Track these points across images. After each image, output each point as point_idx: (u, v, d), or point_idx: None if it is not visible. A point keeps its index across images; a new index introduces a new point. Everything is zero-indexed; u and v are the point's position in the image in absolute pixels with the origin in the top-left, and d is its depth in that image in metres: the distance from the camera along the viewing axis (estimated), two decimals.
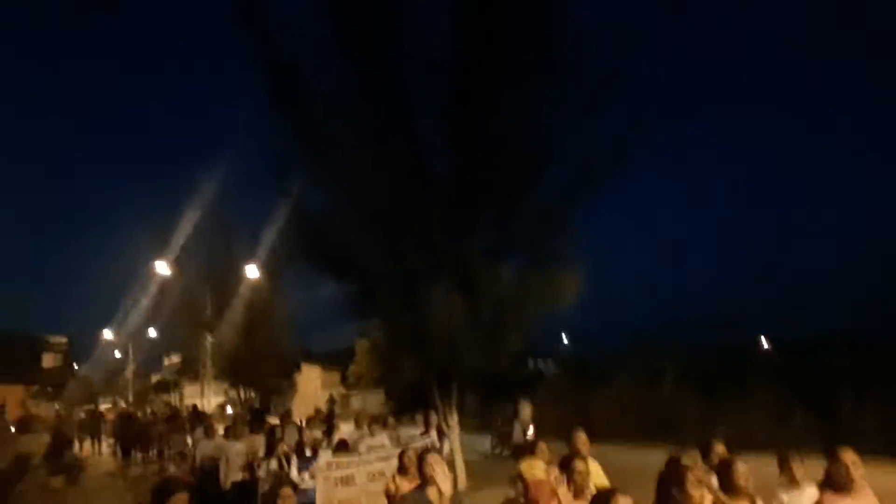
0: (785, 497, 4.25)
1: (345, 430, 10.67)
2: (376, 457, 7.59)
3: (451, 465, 8.55)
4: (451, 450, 8.81)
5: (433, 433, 9.70)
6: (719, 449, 4.64)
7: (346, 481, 7.17)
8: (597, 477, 4.92)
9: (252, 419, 15.04)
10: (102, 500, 12.39)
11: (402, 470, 5.81)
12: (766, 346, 28.96)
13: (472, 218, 15.69)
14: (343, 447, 8.81)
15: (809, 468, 4.50)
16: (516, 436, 10.22)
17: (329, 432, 9.57)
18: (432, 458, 4.59)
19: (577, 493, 3.97)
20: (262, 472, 7.86)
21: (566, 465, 4.23)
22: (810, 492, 4.19)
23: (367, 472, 7.32)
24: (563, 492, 3.87)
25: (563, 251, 15.11)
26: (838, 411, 13.91)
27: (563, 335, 45.20)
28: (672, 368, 19.44)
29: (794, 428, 13.49)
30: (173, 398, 50.46)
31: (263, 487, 7.36)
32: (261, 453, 9.03)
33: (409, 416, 22.14)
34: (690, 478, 3.17)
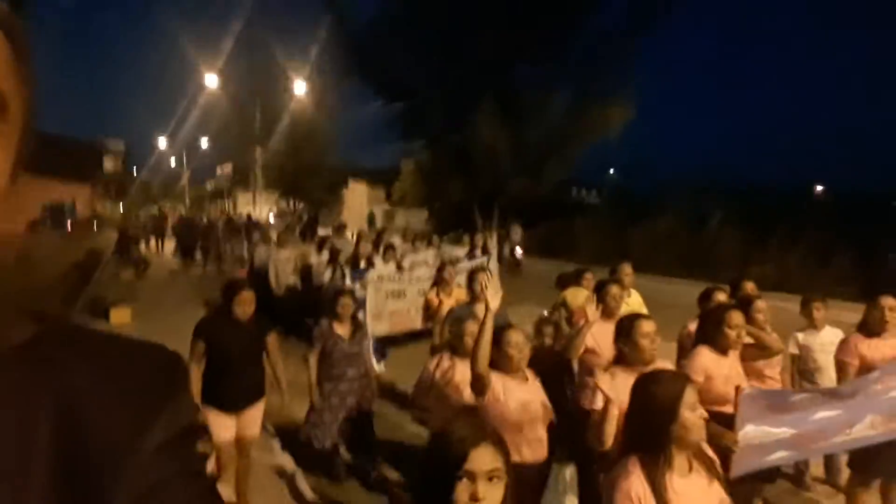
0: (800, 336, 4.39)
1: (393, 242, 11.02)
2: (426, 274, 7.82)
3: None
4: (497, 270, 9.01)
5: (479, 253, 9.70)
6: (748, 287, 4.67)
7: (397, 295, 7.52)
8: (637, 306, 5.06)
9: (304, 229, 15.53)
10: (167, 294, 13.48)
11: (440, 283, 5.95)
12: (819, 191, 28.13)
13: (527, 41, 14.81)
14: (391, 250, 9.12)
15: (833, 312, 4.62)
16: (505, 256, 10.55)
17: (378, 245, 9.68)
18: (482, 276, 4.74)
19: (608, 314, 4.12)
20: (324, 279, 8.21)
21: (601, 288, 4.35)
22: (827, 333, 4.35)
23: (417, 288, 7.59)
24: (592, 310, 4.03)
25: (616, 83, 14.36)
26: (883, 260, 13.82)
27: (611, 167, 44.55)
28: (719, 207, 19.21)
29: (835, 273, 13.50)
30: (227, 205, 52.83)
31: (328, 294, 7.89)
32: (312, 260, 9.37)
33: (451, 235, 22.86)
34: (728, 318, 3.25)
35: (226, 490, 3.99)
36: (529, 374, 3.20)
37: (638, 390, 2.23)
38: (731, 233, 16.86)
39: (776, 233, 15.97)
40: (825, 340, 4.28)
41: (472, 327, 3.55)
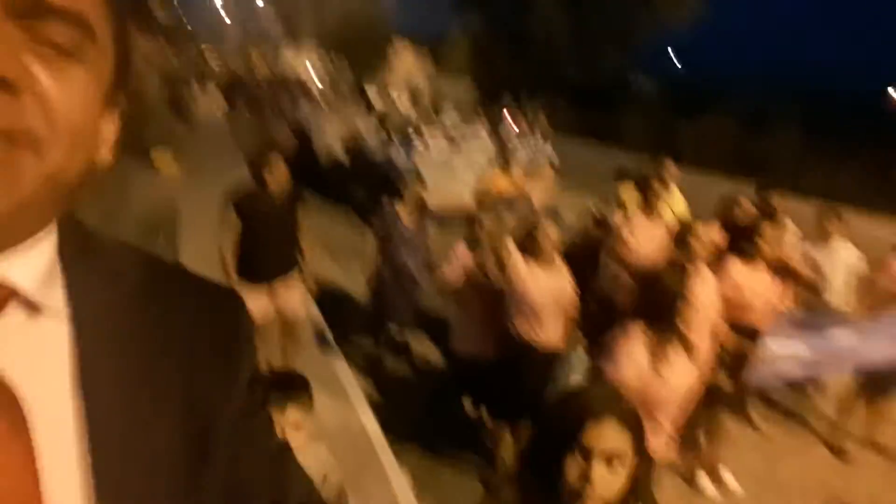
0: (811, 250, 4.26)
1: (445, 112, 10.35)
2: (476, 147, 7.46)
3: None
4: (547, 155, 8.57)
5: (538, 136, 9.15)
6: (774, 201, 4.60)
7: (445, 167, 7.16)
8: (678, 205, 5.07)
9: (351, 91, 15.22)
10: (213, 147, 13.63)
11: (501, 167, 5.89)
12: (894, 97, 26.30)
13: None
14: (441, 121, 8.84)
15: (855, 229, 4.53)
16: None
17: (428, 114, 9.53)
18: (533, 170, 4.74)
19: (647, 212, 4.18)
20: (373, 144, 8.04)
21: (643, 185, 4.34)
22: (840, 249, 4.26)
23: (466, 160, 7.23)
24: (633, 204, 4.08)
25: None
26: None
27: (671, 55, 41.96)
28: (780, 105, 18.22)
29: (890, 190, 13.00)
30: (271, 58, 51.85)
31: (384, 169, 7.51)
32: (361, 128, 9.09)
33: (498, 107, 22.32)
34: (762, 229, 3.28)
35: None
36: (558, 260, 3.33)
37: (649, 276, 2.47)
38: (788, 135, 16.02)
39: (835, 140, 15.19)
40: (838, 257, 4.25)
41: (490, 224, 3.57)
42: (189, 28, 50.62)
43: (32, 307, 0.49)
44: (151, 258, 0.63)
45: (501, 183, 5.52)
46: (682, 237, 3.20)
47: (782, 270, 3.54)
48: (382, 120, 9.18)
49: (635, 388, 2.20)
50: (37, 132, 0.44)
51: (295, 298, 4.03)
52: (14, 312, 0.48)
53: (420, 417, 3.97)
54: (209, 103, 21.08)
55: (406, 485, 3.31)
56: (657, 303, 2.32)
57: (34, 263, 0.49)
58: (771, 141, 16.45)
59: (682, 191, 5.29)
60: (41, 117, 0.44)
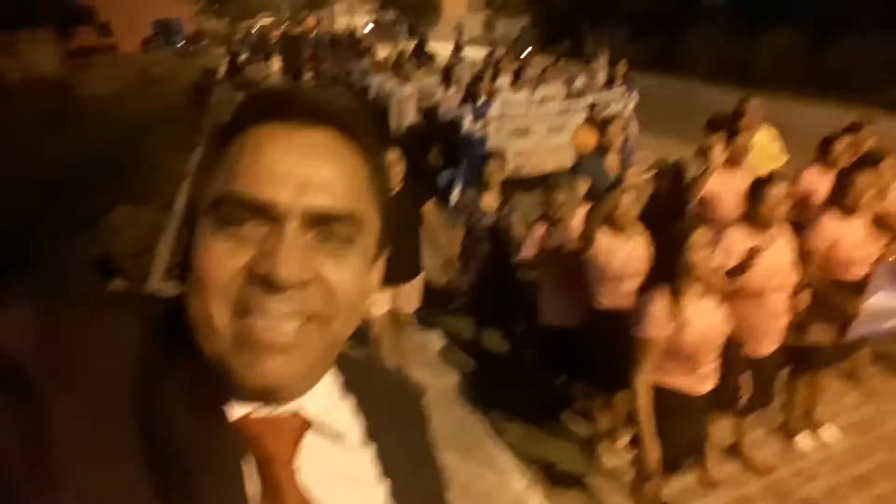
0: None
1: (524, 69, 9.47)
2: (556, 109, 6.83)
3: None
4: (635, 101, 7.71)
5: (619, 84, 8.04)
6: (866, 134, 4.20)
7: (522, 133, 6.62)
8: (770, 145, 4.79)
9: (415, 54, 14.33)
10: None
11: (590, 122, 5.49)
12: None
13: None
14: (522, 78, 8.20)
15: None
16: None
17: (494, 77, 8.39)
18: (615, 128, 4.52)
19: (732, 162, 4.03)
20: (435, 102, 7.73)
21: (730, 135, 4.13)
22: None
23: (546, 125, 6.67)
24: (718, 153, 3.91)
25: None
26: None
27: None
28: (863, 10, 16.60)
29: None
30: (325, 15, 51.81)
31: (464, 147, 6.91)
32: (438, 96, 8.54)
33: (555, 45, 21.60)
34: (858, 178, 3.11)
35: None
36: (637, 229, 3.29)
37: (664, 233, 2.64)
38: (876, 43, 14.62)
39: None
40: None
41: (560, 196, 3.46)
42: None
43: (333, 434, 0.63)
44: (399, 378, 0.84)
45: (585, 140, 5.24)
46: (753, 192, 3.00)
47: (883, 222, 3.35)
48: (449, 75, 8.67)
49: (665, 341, 2.48)
50: (322, 311, 0.56)
51: (416, 299, 3.95)
52: (317, 440, 0.61)
53: (517, 392, 4.07)
54: (271, 73, 21.18)
55: (509, 457, 3.45)
56: (669, 257, 2.52)
57: (320, 396, 0.63)
58: (855, 51, 15.02)
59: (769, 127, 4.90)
60: (326, 300, 0.56)
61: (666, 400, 2.58)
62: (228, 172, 0.56)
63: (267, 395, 0.57)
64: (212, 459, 0.53)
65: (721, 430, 3.38)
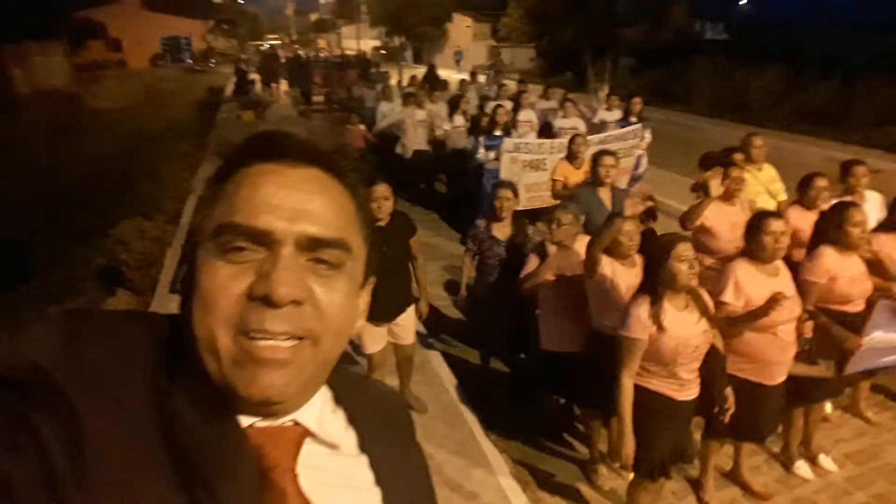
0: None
1: (532, 101, 9.30)
2: (567, 134, 6.66)
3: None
4: (648, 139, 7.58)
5: (634, 120, 7.79)
6: (861, 176, 4.27)
7: (535, 165, 6.49)
8: (769, 183, 4.84)
9: (426, 80, 14.26)
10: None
11: (570, 158, 5.57)
12: None
13: None
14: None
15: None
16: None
17: (515, 110, 8.21)
18: (608, 160, 4.49)
19: (727, 197, 4.11)
20: (442, 134, 7.78)
21: (726, 168, 4.19)
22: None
23: (560, 157, 6.32)
24: (716, 185, 3.99)
25: None
26: None
27: None
28: (860, 51, 16.86)
29: None
30: (332, 39, 52.64)
31: (474, 177, 6.99)
32: (445, 126, 8.48)
33: (561, 76, 21.91)
34: (850, 217, 3.19)
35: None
36: (639, 259, 3.37)
37: (649, 246, 2.81)
38: (869, 82, 14.69)
39: None
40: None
41: (566, 217, 3.54)
42: (250, 11, 52.02)
43: (330, 445, 0.68)
44: (382, 388, 0.88)
45: (573, 176, 5.40)
46: (753, 227, 3.05)
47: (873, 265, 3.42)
48: (457, 103, 8.66)
49: (646, 343, 2.66)
50: (314, 330, 0.61)
51: (412, 330, 3.94)
52: (314, 448, 0.67)
53: (518, 413, 4.13)
54: (279, 94, 21.26)
55: (510, 476, 3.48)
56: (653, 265, 2.70)
57: (314, 409, 0.68)
58: (851, 89, 15.19)
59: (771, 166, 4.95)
60: (317, 319, 0.62)
61: (649, 402, 2.75)
62: (228, 204, 0.62)
63: (266, 408, 0.62)
64: (229, 466, 0.57)
65: (721, 454, 3.43)
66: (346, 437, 0.71)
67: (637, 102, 7.88)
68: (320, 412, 0.69)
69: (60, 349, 0.56)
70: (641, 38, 14.85)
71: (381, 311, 3.60)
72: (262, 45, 39.50)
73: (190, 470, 0.55)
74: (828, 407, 3.94)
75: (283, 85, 21.75)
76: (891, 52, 16.35)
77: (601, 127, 7.78)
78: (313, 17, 61.61)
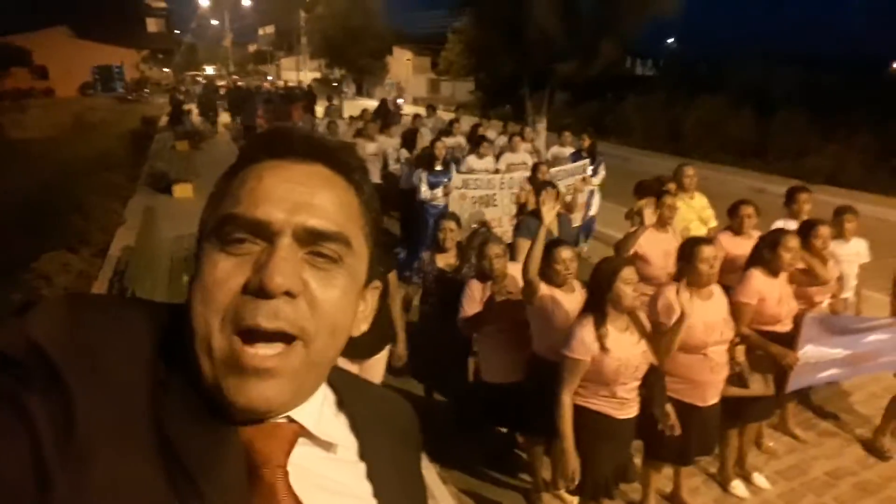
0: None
1: (489, 135, 9.21)
2: (521, 177, 6.43)
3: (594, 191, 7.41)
4: (602, 175, 7.61)
5: (584, 155, 7.83)
6: (804, 202, 4.52)
7: (486, 201, 6.31)
8: (701, 210, 5.02)
9: (377, 114, 13.95)
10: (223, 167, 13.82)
11: (533, 185, 5.48)
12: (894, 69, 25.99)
13: None
14: (485, 145, 7.67)
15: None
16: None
17: (471, 138, 8.10)
18: (545, 193, 4.19)
19: (661, 224, 4.23)
20: (396, 169, 7.52)
21: (659, 197, 4.31)
22: (854, 245, 4.28)
23: (511, 193, 6.31)
24: (650, 214, 4.09)
25: None
26: None
27: (669, 37, 41.83)
28: (780, 84, 18.04)
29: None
30: (271, 70, 52.31)
31: (421, 214, 6.58)
32: (392, 154, 8.44)
33: (500, 108, 22.37)
34: (785, 242, 3.34)
35: None
36: (577, 285, 3.42)
37: (595, 268, 2.89)
38: (789, 115, 15.78)
39: (837, 118, 14.99)
40: (851, 251, 4.26)
41: (494, 250, 3.55)
42: (185, 41, 51.20)
43: (325, 445, 0.67)
44: (393, 398, 0.87)
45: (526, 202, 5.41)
46: (686, 253, 3.15)
47: (806, 277, 3.61)
48: (410, 139, 8.39)
49: (588, 365, 2.73)
50: (307, 330, 0.60)
51: (381, 372, 3.82)
52: (309, 447, 0.65)
53: (461, 443, 4.07)
54: (219, 125, 20.77)
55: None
56: (599, 287, 2.79)
57: (312, 408, 0.66)
58: (771, 122, 16.20)
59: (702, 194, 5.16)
60: (311, 317, 0.60)
61: (590, 422, 2.80)
62: (231, 198, 0.62)
63: (253, 417, 0.60)
64: (216, 459, 0.56)
65: (661, 478, 3.47)
66: (347, 441, 0.70)
67: (587, 137, 7.96)
68: (319, 411, 0.67)
69: (60, 330, 0.55)
70: (575, 71, 15.32)
71: (357, 348, 3.38)
72: (198, 75, 38.87)
73: (177, 460, 0.54)
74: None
75: (223, 116, 21.31)
76: (807, 86, 17.58)
77: (553, 162, 7.67)
78: (252, 48, 61.22)
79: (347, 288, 0.64)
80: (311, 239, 0.61)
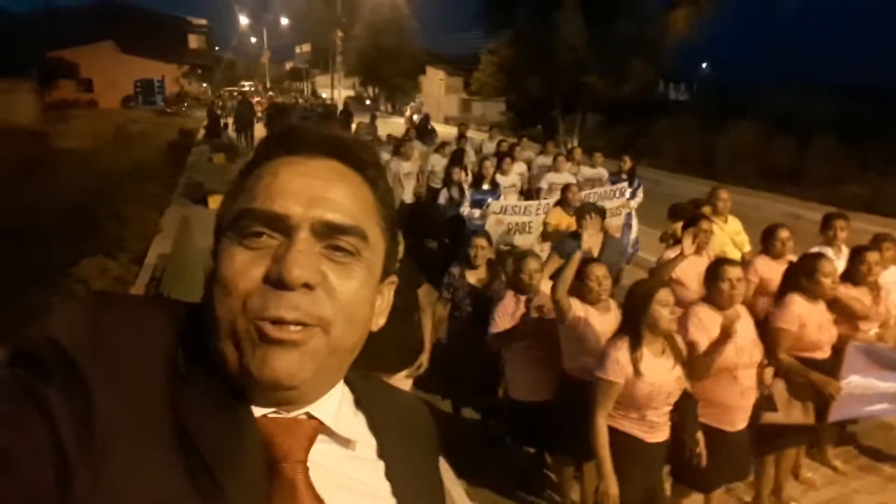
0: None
1: (528, 156, 9.09)
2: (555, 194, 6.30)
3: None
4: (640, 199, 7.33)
5: (624, 177, 7.65)
6: (841, 229, 4.43)
7: (522, 228, 6.16)
8: (734, 234, 4.97)
9: (418, 132, 13.88)
10: None
11: (562, 203, 5.54)
12: None
13: None
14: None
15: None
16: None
17: (502, 158, 7.89)
18: (587, 217, 4.38)
19: (697, 249, 4.18)
20: (441, 200, 7.15)
21: (694, 223, 4.28)
22: (892, 273, 4.10)
23: (542, 210, 6.20)
24: (688, 243, 4.07)
25: None
26: None
27: (704, 61, 41.64)
28: (817, 112, 17.77)
29: None
30: (305, 87, 53.34)
31: (453, 228, 6.40)
32: (439, 173, 8.30)
33: (531, 129, 22.43)
34: (822, 267, 3.27)
35: None
36: (613, 305, 3.39)
37: (630, 290, 2.86)
38: (825, 142, 15.49)
39: (874, 146, 14.66)
40: (890, 280, 4.10)
41: (533, 265, 3.56)
42: (225, 58, 52.56)
43: (344, 442, 0.68)
44: (412, 401, 0.87)
45: (564, 222, 5.37)
46: (711, 273, 3.12)
47: (845, 308, 3.51)
48: (459, 159, 8.10)
49: (622, 387, 2.70)
50: (326, 317, 0.61)
51: (409, 381, 3.90)
52: (328, 444, 0.66)
53: (489, 461, 4.04)
54: (252, 142, 21.11)
55: None
56: (635, 309, 2.75)
57: (331, 404, 0.67)
58: (807, 148, 15.92)
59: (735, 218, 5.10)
60: (329, 306, 0.61)
61: (620, 443, 2.76)
62: (249, 193, 0.63)
63: (279, 394, 0.61)
64: (236, 453, 0.57)
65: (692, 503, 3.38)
66: (365, 439, 0.70)
67: (627, 160, 7.80)
68: (338, 408, 0.68)
69: (80, 326, 0.57)
70: (607, 89, 15.32)
71: (385, 362, 3.50)
72: (234, 90, 39.77)
73: (196, 454, 0.54)
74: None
75: (259, 129, 21.67)
76: (843, 113, 17.28)
77: (584, 184, 7.45)
78: (288, 65, 62.48)
79: (365, 281, 0.65)
80: (328, 233, 0.62)
